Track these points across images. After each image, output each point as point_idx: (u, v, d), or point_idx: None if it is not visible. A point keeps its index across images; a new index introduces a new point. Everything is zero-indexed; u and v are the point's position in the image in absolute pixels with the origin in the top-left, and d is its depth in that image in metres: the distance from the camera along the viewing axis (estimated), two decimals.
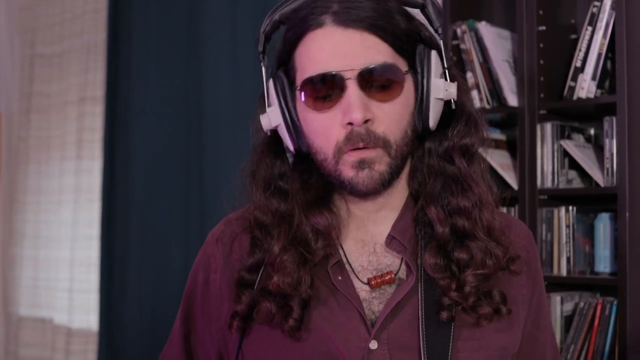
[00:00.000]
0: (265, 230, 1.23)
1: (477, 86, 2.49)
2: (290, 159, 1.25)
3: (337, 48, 1.14)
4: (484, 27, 2.49)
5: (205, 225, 3.20)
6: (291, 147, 1.21)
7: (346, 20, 1.14)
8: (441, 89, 1.18)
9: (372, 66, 1.13)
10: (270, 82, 1.22)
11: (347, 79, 1.13)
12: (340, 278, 1.19)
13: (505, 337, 1.19)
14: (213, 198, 3.16)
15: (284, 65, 1.22)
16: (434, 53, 1.19)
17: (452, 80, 1.20)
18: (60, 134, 3.91)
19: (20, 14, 4.12)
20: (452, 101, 1.20)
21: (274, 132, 1.23)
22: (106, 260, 3.55)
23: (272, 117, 1.21)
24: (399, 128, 1.16)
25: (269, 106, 1.22)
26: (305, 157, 1.23)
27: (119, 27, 3.57)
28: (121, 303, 3.51)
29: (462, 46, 2.52)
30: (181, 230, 3.31)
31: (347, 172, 1.15)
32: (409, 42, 1.18)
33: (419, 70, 1.18)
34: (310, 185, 1.23)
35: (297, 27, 1.18)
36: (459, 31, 2.53)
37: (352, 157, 1.14)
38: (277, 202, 1.23)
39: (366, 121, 1.13)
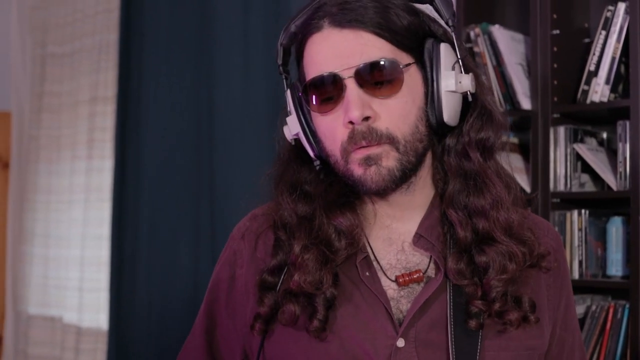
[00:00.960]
0: (289, 231, 1.23)
1: (490, 89, 2.49)
2: (317, 166, 1.25)
3: (333, 49, 1.15)
4: (497, 31, 2.50)
5: (215, 224, 3.21)
6: (311, 153, 1.23)
7: (342, 20, 1.15)
8: (453, 82, 1.18)
9: (367, 62, 1.13)
10: (288, 91, 1.24)
11: (345, 78, 1.14)
12: (367, 274, 1.20)
13: (533, 336, 1.20)
14: (223, 198, 3.17)
15: (300, 75, 1.24)
16: (443, 46, 1.18)
17: (466, 72, 1.20)
18: (71, 133, 3.92)
19: (32, 13, 4.13)
20: (468, 93, 1.20)
21: (298, 141, 1.25)
22: (116, 259, 3.56)
23: (291, 126, 1.24)
24: (406, 123, 1.16)
25: (288, 116, 1.25)
26: (322, 161, 1.24)
27: (131, 27, 3.58)
28: (131, 302, 3.52)
29: (476, 49, 2.53)
30: (191, 230, 3.32)
31: (356, 170, 1.16)
32: (413, 37, 1.18)
33: (427, 64, 1.18)
34: (332, 188, 1.23)
35: (301, 35, 1.20)
36: (472, 34, 2.53)
37: (359, 155, 1.15)
38: (302, 205, 1.23)
39: (367, 119, 1.14)
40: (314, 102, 1.17)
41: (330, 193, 1.23)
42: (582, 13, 2.51)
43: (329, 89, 1.15)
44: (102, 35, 3.78)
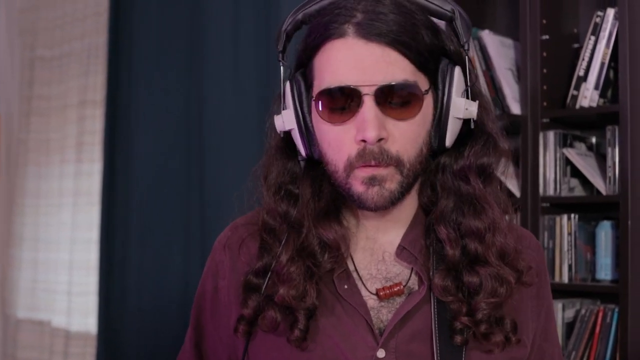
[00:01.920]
0: (273, 235, 1.22)
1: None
2: (302, 163, 1.23)
3: (356, 61, 1.11)
4: (487, 36, 2.51)
5: (205, 228, 3.21)
6: (303, 153, 1.20)
7: (369, 33, 1.11)
8: (461, 108, 1.16)
9: (391, 83, 1.10)
10: (287, 84, 1.20)
11: (365, 94, 1.10)
12: (346, 287, 1.19)
13: (515, 347, 1.19)
14: (214, 201, 3.17)
15: (303, 67, 1.20)
16: (457, 70, 1.15)
17: (473, 99, 1.18)
18: (60, 136, 3.91)
19: (21, 16, 4.12)
20: (472, 120, 1.18)
21: (288, 133, 1.21)
22: (105, 263, 3.56)
23: (286, 120, 1.20)
24: (414, 147, 1.14)
25: (284, 108, 1.20)
26: (317, 163, 1.21)
27: (120, 30, 3.57)
28: (120, 306, 3.51)
29: None
30: (181, 233, 3.32)
31: (357, 187, 1.14)
32: (432, 58, 1.15)
33: (440, 87, 1.15)
34: (322, 194, 1.21)
35: (318, 33, 1.15)
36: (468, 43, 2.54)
37: (363, 172, 1.12)
38: (286, 206, 1.21)
39: (380, 139, 1.11)
40: (324, 110, 1.14)
41: (319, 200, 1.21)
42: (571, 18, 2.53)
43: (344, 101, 1.12)
44: (91, 38, 3.77)
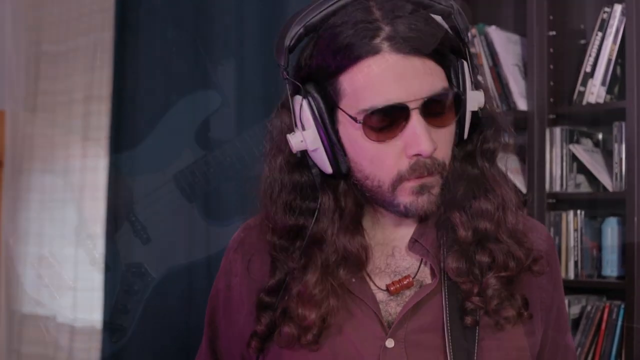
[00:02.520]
0: (285, 252, 1.21)
1: (490, 95, 2.50)
2: (318, 178, 1.20)
3: (399, 77, 1.09)
4: (493, 31, 2.51)
5: (210, 224, 3.20)
6: (329, 170, 1.18)
7: (406, 47, 1.09)
8: (474, 101, 1.17)
9: (435, 94, 1.10)
10: (304, 102, 1.16)
11: (412, 109, 1.09)
12: (354, 280, 1.19)
13: (525, 338, 1.20)
14: (218, 197, 3.17)
15: (317, 84, 1.16)
16: (465, 65, 1.16)
17: (477, 88, 1.19)
18: (65, 132, 3.90)
19: (27, 11, 4.11)
20: (479, 109, 1.19)
21: (303, 151, 1.18)
22: (110, 258, 3.55)
23: (308, 140, 1.16)
24: (450, 149, 1.16)
25: (300, 126, 1.17)
26: (334, 177, 1.19)
27: (126, 26, 3.56)
28: (125, 302, 3.51)
29: (472, 50, 2.53)
30: (186, 229, 3.31)
31: (405, 197, 1.14)
32: (450, 59, 1.15)
33: (455, 84, 1.15)
34: (344, 208, 1.20)
35: (348, 51, 1.11)
36: (469, 35, 2.54)
37: (413, 183, 1.12)
38: (301, 222, 1.20)
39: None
40: (370, 130, 1.11)
41: (342, 215, 1.20)
42: (578, 14, 2.53)
43: (391, 118, 1.10)
44: (97, 33, 3.76)
